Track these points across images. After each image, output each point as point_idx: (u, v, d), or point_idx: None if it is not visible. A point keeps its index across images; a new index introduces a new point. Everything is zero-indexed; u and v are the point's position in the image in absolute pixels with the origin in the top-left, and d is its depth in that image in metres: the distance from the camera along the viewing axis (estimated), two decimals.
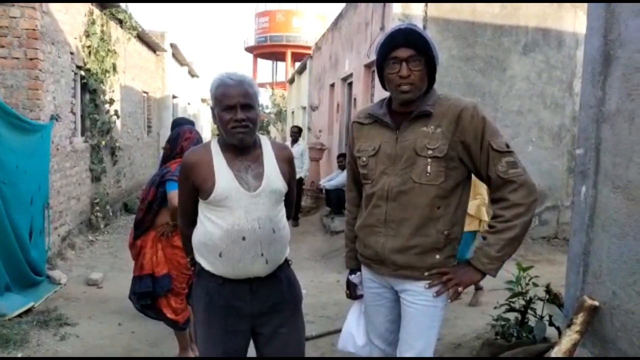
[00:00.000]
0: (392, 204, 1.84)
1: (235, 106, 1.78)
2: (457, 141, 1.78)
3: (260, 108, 1.97)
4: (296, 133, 9.00)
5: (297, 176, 8.37)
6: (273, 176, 1.88)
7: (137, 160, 10.35)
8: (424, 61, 1.78)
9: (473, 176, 1.91)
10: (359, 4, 8.15)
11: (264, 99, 24.43)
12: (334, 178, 8.15)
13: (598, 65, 2.08)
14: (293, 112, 18.01)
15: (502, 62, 6.32)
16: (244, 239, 1.80)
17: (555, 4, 6.36)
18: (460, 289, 1.82)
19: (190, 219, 1.96)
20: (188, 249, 2.02)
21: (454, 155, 1.79)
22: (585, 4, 2.30)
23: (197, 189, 1.86)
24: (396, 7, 6.05)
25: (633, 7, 1.89)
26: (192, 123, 4.00)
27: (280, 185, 1.90)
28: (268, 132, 23.75)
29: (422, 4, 6.02)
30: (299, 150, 8.68)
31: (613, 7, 2.00)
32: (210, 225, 1.84)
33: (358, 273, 2.10)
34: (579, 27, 6.31)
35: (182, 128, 3.19)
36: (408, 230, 1.83)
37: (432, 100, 1.83)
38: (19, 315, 3.90)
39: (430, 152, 1.78)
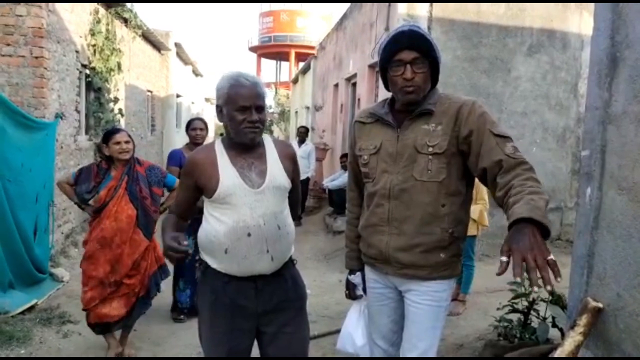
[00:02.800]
0: (395, 202, 1.84)
1: (250, 107, 1.81)
2: (456, 135, 1.78)
3: (267, 109, 1.99)
4: (303, 133, 9.00)
5: (304, 176, 8.41)
6: (276, 173, 1.89)
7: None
8: (428, 63, 1.78)
9: (475, 180, 1.90)
10: (363, 4, 8.14)
11: (268, 98, 24.43)
12: (337, 178, 8.15)
13: (604, 67, 2.07)
14: (297, 112, 18.01)
15: (507, 63, 6.31)
16: (249, 235, 1.81)
17: (560, 5, 6.34)
18: (550, 257, 1.31)
19: (180, 213, 2.01)
20: (165, 223, 1.96)
21: (455, 150, 1.79)
22: (591, 5, 2.29)
23: (200, 188, 1.88)
24: (401, 8, 6.05)
25: None
26: (204, 122, 4.25)
27: (284, 181, 1.91)
28: (271, 132, 23.75)
29: (427, 5, 6.01)
30: (307, 150, 8.68)
31: (620, 8, 1.99)
32: (215, 223, 1.85)
33: (358, 273, 2.10)
34: (584, 28, 6.29)
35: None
36: (411, 228, 1.82)
37: (433, 99, 1.84)
38: (22, 313, 3.92)
39: (430, 149, 1.79)
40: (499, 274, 1.33)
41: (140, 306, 3.31)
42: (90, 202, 3.22)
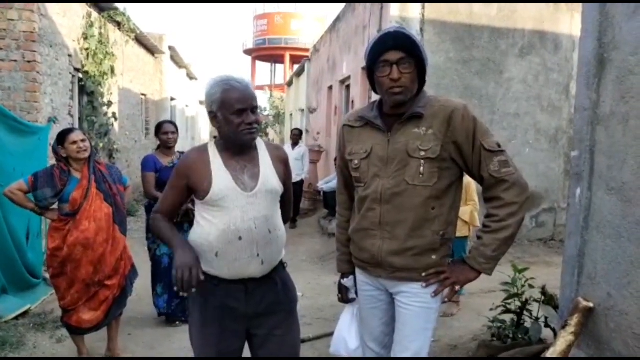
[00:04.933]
0: (387, 207, 1.84)
1: (246, 109, 1.81)
2: (449, 142, 1.79)
3: (259, 110, 2.00)
4: (297, 136, 9.00)
5: (298, 178, 8.41)
6: (269, 176, 1.89)
7: (135, 163, 10.34)
8: (414, 63, 1.79)
9: (465, 181, 1.93)
10: (356, 7, 8.17)
11: (263, 101, 24.47)
12: (332, 180, 8.16)
13: (592, 68, 2.09)
14: (291, 115, 18.02)
15: (499, 64, 6.34)
16: (240, 238, 1.81)
17: (551, 7, 6.39)
18: (457, 287, 1.86)
19: (165, 213, 1.98)
20: (157, 225, 1.97)
21: (447, 156, 1.81)
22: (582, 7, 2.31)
23: (192, 189, 1.88)
24: (394, 10, 6.07)
25: (627, 10, 1.91)
26: (174, 125, 4.21)
27: (276, 185, 1.91)
28: (266, 135, 23.74)
29: (420, 7, 6.04)
30: (300, 152, 8.70)
31: (607, 10, 2.01)
32: (207, 225, 1.85)
33: (350, 276, 2.10)
34: (575, 29, 6.33)
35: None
36: (404, 232, 1.83)
37: (422, 102, 1.84)
38: (16, 318, 3.90)
39: (422, 153, 1.79)
40: (433, 297, 1.87)
41: (116, 307, 3.27)
42: (54, 206, 3.15)
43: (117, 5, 7.98)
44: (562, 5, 6.39)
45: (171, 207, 1.99)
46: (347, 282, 2.11)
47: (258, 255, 1.84)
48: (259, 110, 1.95)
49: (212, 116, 1.87)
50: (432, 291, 1.84)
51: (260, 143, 1.97)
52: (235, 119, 1.81)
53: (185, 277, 1.70)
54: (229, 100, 1.80)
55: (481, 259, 1.80)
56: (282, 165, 1.98)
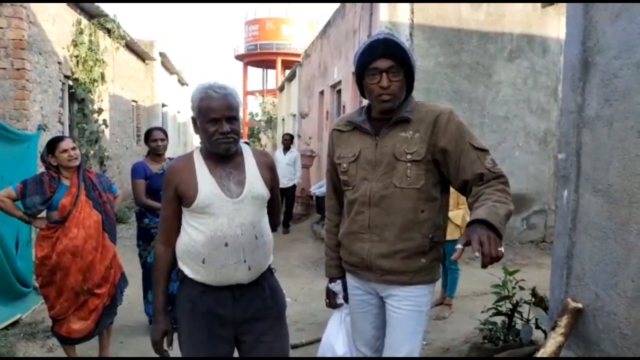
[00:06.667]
0: (375, 210, 1.86)
1: (220, 119, 1.80)
2: (434, 144, 1.80)
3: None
4: (288, 140, 9.00)
5: (291, 183, 8.41)
6: (255, 182, 1.90)
7: (127, 170, 10.26)
8: (403, 70, 1.81)
9: None
10: (346, 12, 8.21)
11: (254, 106, 24.44)
12: (324, 185, 8.14)
13: (577, 72, 2.12)
14: (283, 120, 18.03)
15: (488, 68, 6.40)
16: (226, 245, 1.81)
17: (539, 11, 6.46)
18: (500, 249, 1.43)
19: (168, 234, 1.93)
20: (156, 276, 1.96)
21: (430, 158, 1.82)
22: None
23: (180, 197, 1.87)
24: (383, 15, 6.11)
25: (610, 14, 1.94)
26: (164, 131, 4.16)
27: (263, 191, 1.92)
28: (259, 140, 23.72)
29: (409, 12, 6.08)
30: (292, 157, 8.69)
31: (591, 14, 2.04)
32: (193, 232, 1.85)
33: (338, 281, 2.11)
34: (562, 33, 6.39)
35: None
36: (392, 234, 1.84)
37: (410, 107, 1.86)
38: (6, 327, 3.86)
39: (409, 156, 1.81)
40: (454, 260, 1.48)
41: (106, 317, 3.25)
42: (42, 214, 3.13)
43: (107, 11, 7.98)
44: (550, 8, 6.46)
45: (171, 225, 1.92)
46: (335, 286, 2.12)
47: (245, 261, 1.84)
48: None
49: (194, 122, 1.89)
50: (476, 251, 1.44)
51: (246, 149, 1.98)
52: (210, 128, 1.81)
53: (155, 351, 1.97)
54: (205, 109, 1.81)
55: (495, 216, 1.52)
56: (269, 171, 1.98)
